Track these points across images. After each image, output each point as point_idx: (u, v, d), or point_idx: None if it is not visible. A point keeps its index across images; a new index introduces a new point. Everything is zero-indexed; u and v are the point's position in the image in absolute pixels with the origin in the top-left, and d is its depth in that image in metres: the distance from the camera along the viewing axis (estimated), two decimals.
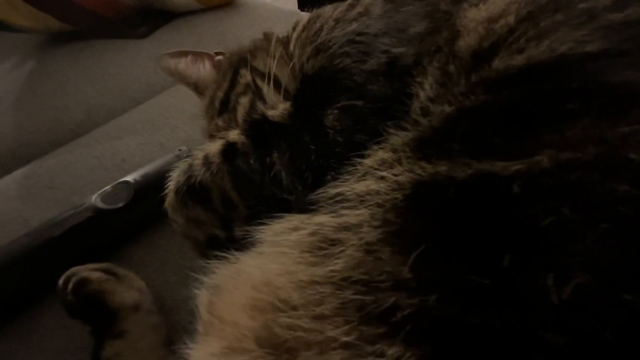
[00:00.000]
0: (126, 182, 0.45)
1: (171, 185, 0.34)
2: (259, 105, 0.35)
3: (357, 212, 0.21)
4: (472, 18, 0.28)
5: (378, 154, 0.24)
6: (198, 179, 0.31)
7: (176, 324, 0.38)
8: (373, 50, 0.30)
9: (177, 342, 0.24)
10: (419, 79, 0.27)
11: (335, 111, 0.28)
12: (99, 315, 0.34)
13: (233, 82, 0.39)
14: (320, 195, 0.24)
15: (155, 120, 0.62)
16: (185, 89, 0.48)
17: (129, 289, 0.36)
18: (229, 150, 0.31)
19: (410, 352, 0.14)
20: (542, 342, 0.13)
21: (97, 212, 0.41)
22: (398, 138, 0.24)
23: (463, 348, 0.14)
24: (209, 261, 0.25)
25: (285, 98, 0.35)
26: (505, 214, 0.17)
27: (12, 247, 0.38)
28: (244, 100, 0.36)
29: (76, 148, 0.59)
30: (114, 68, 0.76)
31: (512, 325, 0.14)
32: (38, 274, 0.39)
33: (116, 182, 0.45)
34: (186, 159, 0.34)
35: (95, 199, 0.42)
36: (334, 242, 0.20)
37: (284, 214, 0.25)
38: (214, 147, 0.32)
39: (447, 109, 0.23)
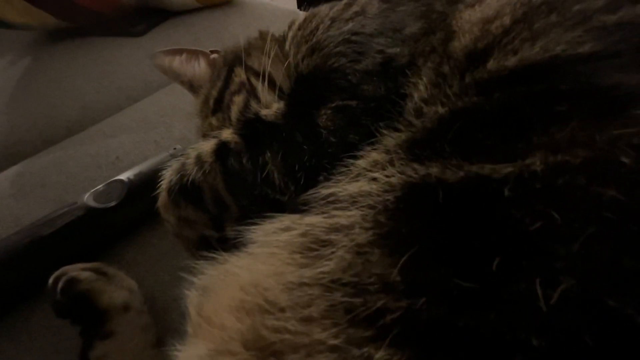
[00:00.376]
0: (120, 181, 0.44)
1: (163, 184, 0.34)
2: (253, 104, 0.35)
3: (348, 213, 0.21)
4: (467, 19, 0.28)
5: (371, 155, 0.24)
6: (190, 179, 0.31)
7: (168, 324, 0.37)
8: (368, 50, 0.30)
9: (168, 342, 0.24)
10: (413, 80, 0.27)
11: (329, 111, 0.28)
12: (88, 315, 0.34)
13: (227, 81, 0.38)
14: (312, 195, 0.24)
15: (151, 119, 0.61)
16: (181, 88, 0.48)
17: (118, 288, 0.35)
18: (221, 150, 0.31)
19: (397, 355, 0.14)
20: (526, 346, 0.13)
21: (89, 211, 0.41)
22: (391, 139, 0.24)
23: (449, 352, 0.14)
24: (199, 262, 0.25)
25: (280, 97, 0.34)
26: (494, 217, 0.16)
27: (1, 246, 0.38)
28: (238, 99, 0.36)
29: (70, 146, 0.59)
30: (110, 66, 0.76)
31: (497, 329, 0.14)
32: (27, 273, 0.38)
33: (109, 180, 0.44)
34: (179, 158, 0.34)
35: (87, 198, 0.42)
36: (324, 244, 0.20)
37: (275, 214, 0.25)
38: (207, 146, 0.32)
39: (440, 110, 0.22)
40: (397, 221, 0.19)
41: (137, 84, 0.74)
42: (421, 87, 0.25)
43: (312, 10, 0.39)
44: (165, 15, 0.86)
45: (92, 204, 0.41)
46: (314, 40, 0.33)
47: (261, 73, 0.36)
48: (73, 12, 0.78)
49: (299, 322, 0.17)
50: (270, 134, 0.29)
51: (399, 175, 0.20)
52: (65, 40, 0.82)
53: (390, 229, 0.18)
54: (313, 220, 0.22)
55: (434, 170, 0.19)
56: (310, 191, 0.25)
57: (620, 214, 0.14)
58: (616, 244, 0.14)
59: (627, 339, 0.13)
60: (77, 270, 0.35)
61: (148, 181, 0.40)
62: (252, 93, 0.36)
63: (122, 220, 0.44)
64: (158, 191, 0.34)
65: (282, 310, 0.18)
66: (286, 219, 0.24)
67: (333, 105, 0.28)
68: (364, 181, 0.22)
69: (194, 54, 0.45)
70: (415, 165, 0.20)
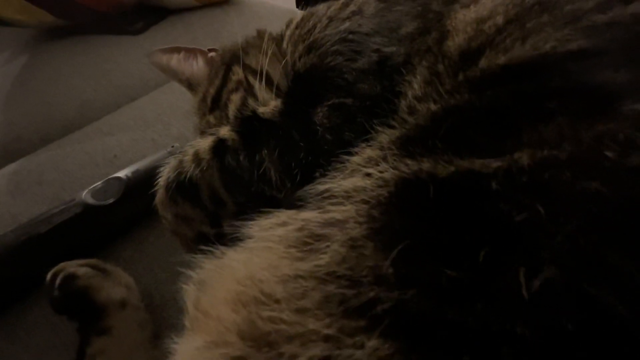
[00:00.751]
0: (117, 178, 0.44)
1: (161, 181, 0.34)
2: (251, 102, 0.35)
3: (343, 208, 0.21)
4: (462, 19, 0.28)
5: (366, 152, 0.24)
6: (188, 176, 0.31)
7: (165, 320, 0.37)
8: (364, 49, 0.30)
9: (166, 338, 0.24)
10: (408, 78, 0.27)
11: (325, 109, 0.28)
12: (85, 311, 0.34)
13: (225, 79, 0.39)
14: (308, 191, 0.25)
15: (149, 117, 0.61)
16: (179, 87, 0.48)
17: (116, 285, 0.36)
18: (219, 147, 0.31)
19: (387, 344, 0.15)
20: (511, 335, 0.14)
21: (87, 208, 0.41)
22: (385, 136, 0.24)
23: (437, 341, 0.14)
24: (196, 256, 0.25)
25: (277, 95, 0.35)
26: (482, 210, 0.17)
27: None
28: (236, 97, 0.36)
29: (67, 144, 0.59)
30: (108, 64, 0.76)
31: (483, 319, 0.14)
32: (25, 270, 0.38)
33: (107, 178, 0.44)
34: (177, 155, 0.34)
35: (85, 195, 0.42)
36: (319, 238, 0.21)
37: (272, 210, 0.25)
38: (205, 143, 0.32)
39: (433, 107, 0.23)
40: (390, 215, 0.19)
41: (135, 82, 0.74)
42: (416, 86, 0.26)
43: (309, 9, 0.39)
44: (163, 13, 0.86)
45: (90, 201, 0.41)
46: (311, 39, 0.34)
47: (259, 71, 0.36)
48: (71, 9, 0.78)
49: (294, 313, 0.17)
50: (267, 132, 0.30)
51: (392, 170, 0.21)
52: (63, 38, 0.82)
53: (384, 223, 0.19)
54: (309, 216, 0.22)
55: (426, 165, 0.19)
56: (306, 187, 0.25)
57: (603, 206, 0.15)
58: (599, 236, 0.15)
59: (608, 327, 0.13)
60: (75, 266, 0.35)
61: (146, 179, 0.40)
62: (250, 91, 0.36)
63: (120, 218, 0.44)
64: (155, 188, 0.34)
65: (277, 301, 0.18)
66: (282, 215, 0.24)
67: (329, 103, 0.28)
68: (359, 177, 0.22)
69: (192, 52, 0.46)
70: (408, 161, 0.21)
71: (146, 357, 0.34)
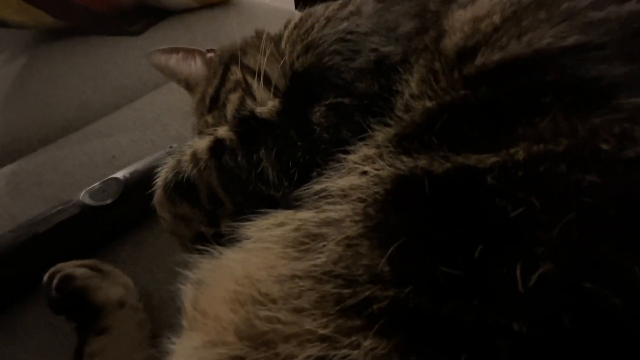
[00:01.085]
0: (116, 179, 0.44)
1: (159, 181, 0.34)
2: (249, 102, 0.35)
3: (339, 207, 0.21)
4: (459, 18, 0.28)
5: (362, 150, 0.24)
6: (186, 175, 0.31)
7: (163, 321, 0.37)
8: (362, 48, 0.30)
9: (164, 338, 0.24)
10: (405, 77, 0.27)
11: (323, 108, 0.28)
12: (83, 312, 0.34)
13: (223, 79, 0.39)
14: (305, 191, 0.25)
15: (147, 118, 0.61)
16: (178, 88, 0.48)
17: (114, 285, 0.36)
18: (217, 147, 0.31)
19: (384, 343, 0.15)
20: (507, 330, 0.14)
21: (85, 209, 0.41)
22: (382, 134, 0.24)
23: (433, 338, 0.14)
24: (194, 256, 0.25)
25: (275, 95, 0.35)
26: (478, 206, 0.17)
27: None
28: (234, 97, 0.36)
29: (66, 145, 0.59)
30: (106, 65, 0.76)
31: (479, 314, 0.14)
32: (23, 270, 0.38)
33: (105, 178, 0.44)
34: (175, 155, 0.34)
35: (83, 195, 0.42)
36: (316, 237, 0.21)
37: (269, 210, 0.25)
38: (203, 143, 0.32)
39: (428, 104, 0.23)
40: (385, 213, 0.19)
41: (133, 83, 0.74)
42: (412, 84, 0.26)
43: (308, 9, 0.39)
44: (162, 14, 0.87)
45: (88, 201, 0.41)
46: (309, 38, 0.34)
47: (257, 71, 0.36)
48: (70, 10, 0.78)
49: (290, 313, 0.17)
50: (265, 131, 0.30)
51: (388, 168, 0.21)
52: (61, 39, 0.82)
53: (380, 221, 0.19)
54: (305, 215, 0.22)
55: (422, 162, 0.19)
56: (304, 187, 0.25)
57: (599, 199, 0.15)
58: (595, 229, 0.15)
59: (604, 321, 0.13)
60: (73, 267, 0.35)
61: (144, 179, 0.40)
62: (248, 91, 0.36)
63: (118, 218, 0.44)
64: (154, 189, 0.34)
65: (274, 301, 0.18)
66: (280, 215, 0.24)
67: (327, 102, 0.28)
68: (355, 175, 0.22)
69: (191, 52, 0.46)
70: (404, 158, 0.21)
71: (144, 357, 0.33)
